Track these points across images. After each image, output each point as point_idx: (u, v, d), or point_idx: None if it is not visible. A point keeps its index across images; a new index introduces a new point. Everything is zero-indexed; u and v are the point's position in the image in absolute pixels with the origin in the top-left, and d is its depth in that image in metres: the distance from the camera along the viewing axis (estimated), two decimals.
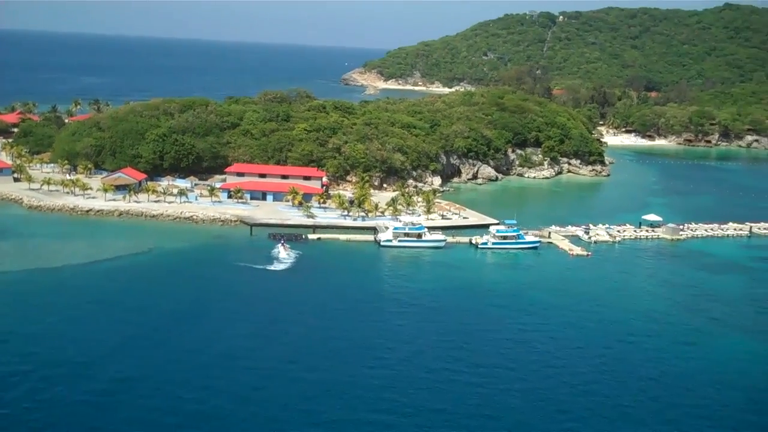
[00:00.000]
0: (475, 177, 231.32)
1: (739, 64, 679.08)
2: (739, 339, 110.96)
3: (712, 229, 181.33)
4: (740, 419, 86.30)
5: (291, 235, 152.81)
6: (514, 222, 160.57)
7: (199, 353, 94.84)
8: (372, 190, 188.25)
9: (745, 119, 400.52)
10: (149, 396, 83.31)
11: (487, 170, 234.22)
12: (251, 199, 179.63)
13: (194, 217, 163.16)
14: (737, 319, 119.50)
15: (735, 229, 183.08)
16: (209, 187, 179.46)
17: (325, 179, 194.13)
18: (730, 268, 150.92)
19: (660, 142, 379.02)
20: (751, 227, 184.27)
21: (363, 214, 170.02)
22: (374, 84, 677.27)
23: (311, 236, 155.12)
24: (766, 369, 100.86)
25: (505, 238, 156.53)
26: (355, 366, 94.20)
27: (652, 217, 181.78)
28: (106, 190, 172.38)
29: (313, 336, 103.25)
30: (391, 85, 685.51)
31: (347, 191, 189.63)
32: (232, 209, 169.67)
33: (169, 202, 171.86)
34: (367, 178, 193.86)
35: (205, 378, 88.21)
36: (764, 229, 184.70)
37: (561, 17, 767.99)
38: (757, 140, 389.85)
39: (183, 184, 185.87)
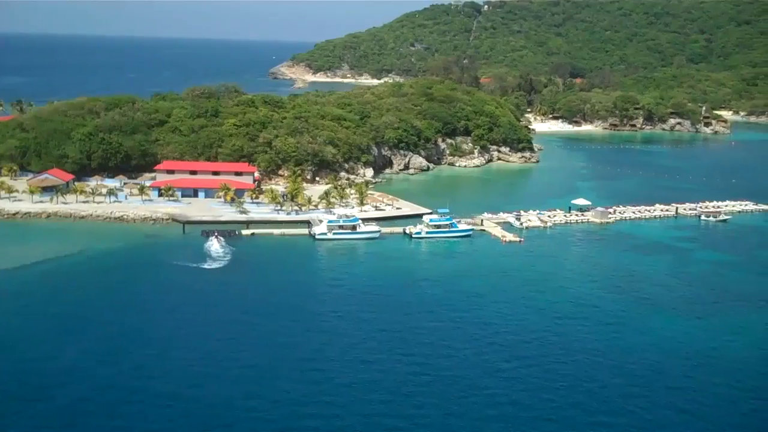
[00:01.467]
0: (406, 167, 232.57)
1: (659, 49, 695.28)
2: (667, 317, 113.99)
3: (639, 212, 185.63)
4: (672, 396, 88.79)
5: (224, 231, 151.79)
6: (447, 211, 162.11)
7: (134, 353, 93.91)
8: (304, 184, 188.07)
9: (667, 103, 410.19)
10: (83, 399, 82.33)
11: (418, 160, 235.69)
12: (182, 196, 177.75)
13: (125, 216, 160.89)
14: (666, 298, 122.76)
15: (661, 211, 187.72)
16: (139, 186, 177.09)
17: (256, 174, 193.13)
18: (658, 249, 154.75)
19: (586, 128, 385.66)
20: (677, 208, 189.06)
21: (296, 208, 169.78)
22: (303, 77, 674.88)
23: (245, 232, 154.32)
24: (693, 344, 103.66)
25: (438, 227, 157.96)
26: (292, 361, 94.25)
27: (581, 201, 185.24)
28: (32, 192, 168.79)
29: (250, 332, 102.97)
30: (320, 77, 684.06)
31: (280, 186, 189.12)
32: (163, 207, 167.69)
33: (99, 203, 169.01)
34: (299, 171, 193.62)
35: (139, 379, 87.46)
36: (690, 209, 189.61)
37: (486, 7, 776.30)
38: (680, 123, 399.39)
39: (112, 183, 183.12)
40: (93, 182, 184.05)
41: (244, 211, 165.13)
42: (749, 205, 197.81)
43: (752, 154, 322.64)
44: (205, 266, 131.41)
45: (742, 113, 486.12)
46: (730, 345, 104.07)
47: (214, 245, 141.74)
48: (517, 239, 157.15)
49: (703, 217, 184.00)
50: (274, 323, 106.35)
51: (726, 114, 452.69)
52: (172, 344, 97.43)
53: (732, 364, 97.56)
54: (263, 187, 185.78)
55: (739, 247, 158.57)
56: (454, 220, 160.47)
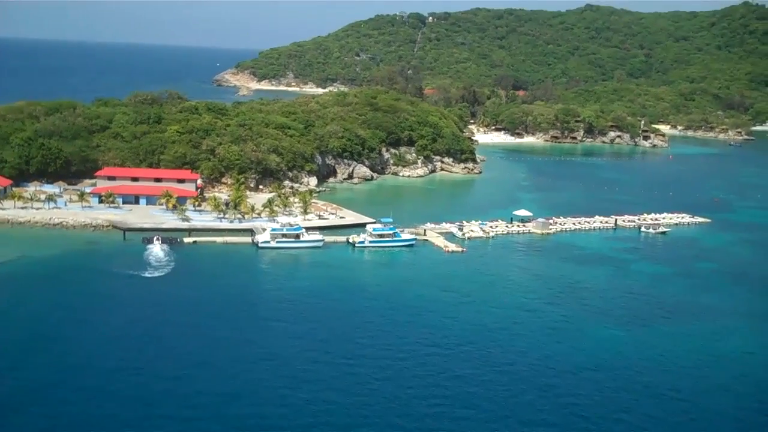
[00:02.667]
0: (350, 177, 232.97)
1: (600, 63, 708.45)
2: (606, 327, 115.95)
3: (579, 223, 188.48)
4: (609, 403, 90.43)
5: (166, 238, 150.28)
6: (390, 220, 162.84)
7: (72, 364, 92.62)
8: (248, 192, 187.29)
9: (607, 116, 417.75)
10: (20, 410, 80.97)
11: (362, 170, 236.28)
12: (124, 203, 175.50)
13: (64, 222, 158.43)
14: (605, 309, 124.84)
15: (601, 222, 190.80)
16: (79, 192, 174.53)
17: (199, 181, 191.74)
18: (598, 260, 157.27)
19: (528, 140, 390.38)
20: (616, 220, 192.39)
21: (239, 216, 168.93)
22: (247, 85, 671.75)
23: (187, 240, 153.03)
24: (629, 353, 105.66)
25: (381, 236, 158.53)
26: (231, 371, 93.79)
27: (522, 212, 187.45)
28: None
29: (188, 340, 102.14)
30: (265, 85, 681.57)
31: (223, 193, 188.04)
32: (103, 214, 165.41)
33: (37, 209, 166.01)
34: (242, 179, 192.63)
35: (78, 391, 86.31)
36: (628, 221, 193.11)
37: (430, 18, 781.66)
38: (619, 136, 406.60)
39: (51, 189, 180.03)
40: (31, 188, 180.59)
41: (186, 219, 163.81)
42: (686, 218, 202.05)
43: (689, 167, 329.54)
44: (146, 274, 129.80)
45: (679, 127, 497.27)
46: (665, 354, 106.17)
47: (156, 251, 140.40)
48: (460, 249, 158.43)
49: (643, 229, 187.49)
50: (214, 332, 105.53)
51: (664, 128, 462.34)
52: (108, 353, 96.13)
53: (667, 373, 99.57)
54: (206, 195, 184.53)
55: (676, 259, 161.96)
56: (397, 230, 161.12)
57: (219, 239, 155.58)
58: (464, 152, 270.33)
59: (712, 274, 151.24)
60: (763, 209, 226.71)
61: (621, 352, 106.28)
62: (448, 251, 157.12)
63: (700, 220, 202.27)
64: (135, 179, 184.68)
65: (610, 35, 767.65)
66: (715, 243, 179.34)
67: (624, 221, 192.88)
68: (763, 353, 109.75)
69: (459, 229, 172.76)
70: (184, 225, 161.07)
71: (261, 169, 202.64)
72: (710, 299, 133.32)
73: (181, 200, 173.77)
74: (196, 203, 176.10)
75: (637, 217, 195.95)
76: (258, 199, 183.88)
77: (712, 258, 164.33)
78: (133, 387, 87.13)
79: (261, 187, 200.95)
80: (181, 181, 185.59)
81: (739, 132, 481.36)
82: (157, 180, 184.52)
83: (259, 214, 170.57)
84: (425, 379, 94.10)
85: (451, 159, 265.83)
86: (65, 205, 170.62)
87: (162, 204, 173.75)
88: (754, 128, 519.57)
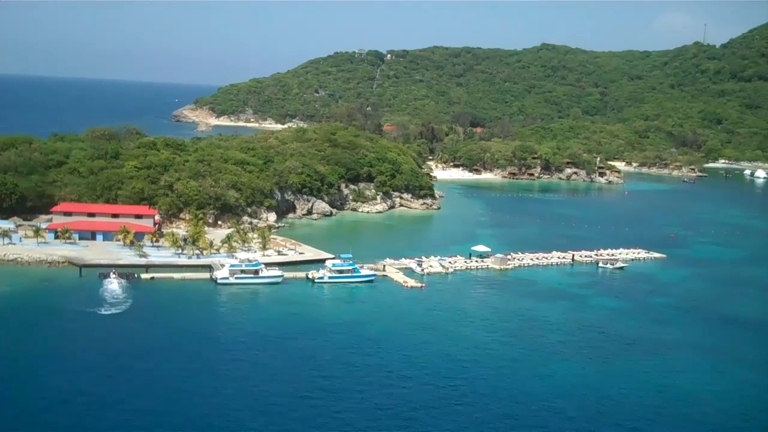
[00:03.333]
0: (309, 212, 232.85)
1: (556, 101, 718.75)
2: (562, 362, 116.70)
3: (537, 258, 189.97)
4: None
5: (123, 274, 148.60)
6: (350, 256, 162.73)
7: (21, 402, 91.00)
8: (206, 228, 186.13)
9: (564, 153, 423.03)
10: None
11: (321, 205, 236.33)
12: (80, 239, 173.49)
13: (18, 259, 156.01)
14: (562, 344, 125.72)
15: (559, 258, 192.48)
16: (34, 228, 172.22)
17: (157, 217, 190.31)
18: (556, 295, 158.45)
19: (486, 176, 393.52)
20: (573, 255, 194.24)
21: (198, 251, 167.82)
22: (206, 120, 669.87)
23: (144, 276, 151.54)
24: (584, 389, 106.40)
25: (341, 272, 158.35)
26: (187, 406, 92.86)
27: (481, 247, 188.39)
28: None
29: (145, 379, 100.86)
30: (224, 121, 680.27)
31: (181, 229, 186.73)
32: (59, 250, 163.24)
33: None
34: (201, 215, 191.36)
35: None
36: (585, 257, 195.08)
37: (389, 56, 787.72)
38: (576, 172, 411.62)
39: (5, 225, 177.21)
40: None
41: (143, 255, 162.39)
42: (642, 253, 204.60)
43: (644, 203, 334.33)
44: (103, 311, 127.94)
45: (634, 164, 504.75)
46: (622, 388, 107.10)
47: (112, 288, 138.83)
48: (419, 285, 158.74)
49: (600, 265, 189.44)
50: (171, 370, 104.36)
51: (619, 164, 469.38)
52: (63, 393, 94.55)
53: (624, 407, 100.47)
54: (164, 231, 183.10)
55: (632, 294, 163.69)
56: (356, 266, 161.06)
57: (177, 275, 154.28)
58: (423, 188, 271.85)
59: (667, 308, 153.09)
60: (717, 245, 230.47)
61: (580, 384, 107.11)
62: (407, 287, 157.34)
63: (656, 255, 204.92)
64: (92, 215, 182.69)
65: (565, 74, 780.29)
66: (671, 278, 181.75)
67: (581, 257, 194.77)
68: (719, 386, 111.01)
69: (418, 264, 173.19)
70: (142, 261, 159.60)
71: (220, 204, 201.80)
72: (667, 333, 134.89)
73: (139, 236, 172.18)
74: (154, 239, 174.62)
75: (594, 253, 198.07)
76: (217, 234, 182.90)
77: (668, 293, 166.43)
78: (82, 425, 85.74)
79: (220, 222, 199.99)
80: (138, 216, 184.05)
81: (693, 169, 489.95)
82: (115, 216, 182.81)
83: (217, 249, 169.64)
84: (385, 410, 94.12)
85: (410, 195, 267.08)
86: (20, 241, 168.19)
87: (119, 240, 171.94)
88: (706, 165, 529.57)
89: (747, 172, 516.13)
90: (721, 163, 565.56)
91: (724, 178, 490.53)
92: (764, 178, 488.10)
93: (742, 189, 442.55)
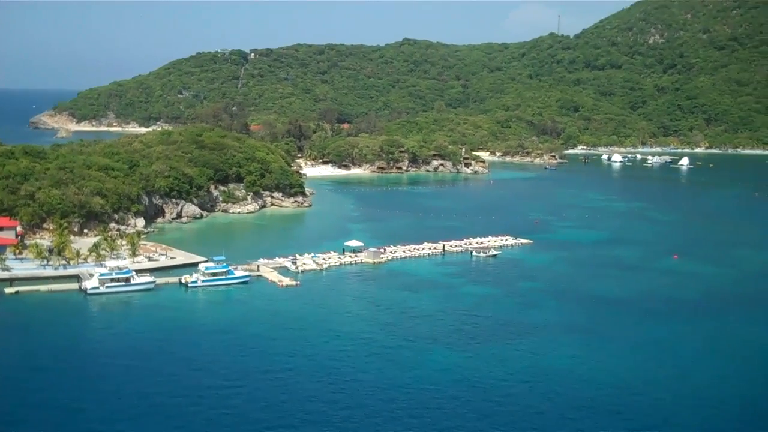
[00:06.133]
0: (179, 216, 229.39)
1: (420, 95, 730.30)
2: (438, 350, 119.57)
3: (409, 250, 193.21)
4: (442, 419, 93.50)
5: None
6: (223, 258, 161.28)
7: None
8: (72, 237, 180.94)
9: (430, 145, 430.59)
10: None
11: (191, 208, 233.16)
12: None
13: None
14: (437, 332, 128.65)
15: (430, 248, 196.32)
16: None
17: (19, 228, 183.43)
18: (428, 286, 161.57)
19: (356, 171, 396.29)
20: (444, 245, 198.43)
21: (64, 262, 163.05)
22: (66, 126, 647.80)
23: (8, 290, 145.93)
24: (458, 376, 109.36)
25: (214, 274, 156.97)
26: (61, 423, 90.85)
27: (354, 242, 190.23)
28: None
29: (9, 402, 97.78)
30: (85, 126, 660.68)
31: (45, 239, 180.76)
32: None
33: None
34: (65, 224, 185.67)
35: None
36: (456, 246, 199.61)
37: (252, 54, 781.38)
38: (442, 164, 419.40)
39: None
40: None
41: (6, 268, 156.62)
42: (509, 240, 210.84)
43: (509, 191, 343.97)
44: None
45: (498, 153, 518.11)
46: (495, 369, 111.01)
47: None
48: (294, 283, 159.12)
49: (474, 253, 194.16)
50: (42, 386, 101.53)
51: (484, 155, 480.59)
52: None
53: (496, 390, 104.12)
54: (27, 242, 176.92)
55: (501, 280, 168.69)
56: (230, 267, 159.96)
57: (44, 287, 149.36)
58: (293, 186, 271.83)
59: (536, 292, 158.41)
60: (579, 228, 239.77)
61: (456, 369, 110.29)
62: (282, 285, 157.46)
63: (523, 241, 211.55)
64: None
65: (428, 68, 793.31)
66: (538, 262, 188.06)
67: (452, 246, 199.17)
68: (586, 363, 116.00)
69: (292, 262, 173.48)
70: (5, 275, 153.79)
71: (85, 212, 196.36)
72: (536, 316, 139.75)
73: (0, 249, 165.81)
74: (17, 251, 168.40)
75: (463, 242, 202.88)
76: (83, 243, 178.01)
77: (536, 277, 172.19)
78: None
79: (86, 231, 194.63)
80: None
81: (553, 156, 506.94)
82: None
83: (85, 259, 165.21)
84: (267, 411, 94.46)
85: (281, 193, 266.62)
86: None
87: None
88: (566, 152, 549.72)
89: (604, 157, 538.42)
90: (580, 150, 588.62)
91: (583, 164, 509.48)
92: (620, 162, 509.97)
93: (601, 173, 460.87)
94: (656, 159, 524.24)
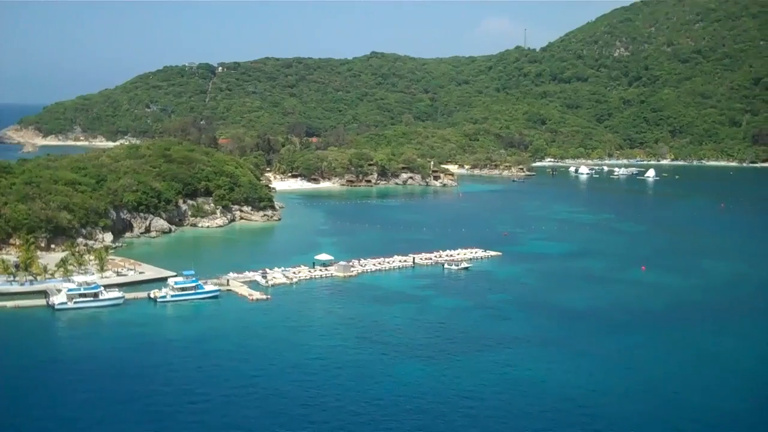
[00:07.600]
0: (147, 230, 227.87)
1: (388, 108, 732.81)
2: (409, 363, 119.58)
3: (379, 263, 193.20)
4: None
5: None
6: (192, 273, 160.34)
7: None
8: (39, 252, 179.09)
9: (399, 159, 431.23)
10: None
11: (159, 223, 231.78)
12: None
13: None
14: (409, 344, 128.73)
15: (400, 261, 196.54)
16: None
17: None
18: (399, 298, 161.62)
19: (325, 185, 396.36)
20: (414, 258, 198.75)
21: (31, 278, 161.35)
22: (32, 141, 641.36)
23: None
24: (427, 388, 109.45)
25: (184, 289, 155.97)
26: None
27: (324, 256, 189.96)
28: None
29: None
30: (51, 141, 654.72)
31: (11, 255, 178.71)
32: None
33: None
34: (32, 239, 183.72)
35: None
36: (426, 259, 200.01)
37: (220, 68, 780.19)
38: (411, 177, 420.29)
39: None
40: None
41: None
42: (479, 252, 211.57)
43: (478, 204, 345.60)
44: None
45: (466, 166, 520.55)
46: (467, 382, 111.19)
47: None
48: (264, 297, 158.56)
49: (446, 266, 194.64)
50: (7, 405, 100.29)
51: (452, 167, 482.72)
52: None
53: (466, 401, 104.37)
54: None
55: (471, 292, 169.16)
56: (199, 282, 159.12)
57: (10, 303, 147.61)
58: (262, 200, 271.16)
59: (506, 304, 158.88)
60: (547, 240, 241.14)
61: (427, 381, 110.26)
62: (252, 300, 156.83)
63: (493, 253, 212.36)
64: None
65: (396, 81, 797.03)
66: (508, 275, 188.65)
67: (422, 259, 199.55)
68: (556, 374, 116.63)
69: (262, 276, 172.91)
70: None
71: (52, 227, 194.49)
72: (507, 328, 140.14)
73: None
74: None
75: (433, 254, 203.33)
76: (51, 258, 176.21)
77: (506, 289, 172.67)
78: None
79: (53, 246, 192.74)
80: None
81: (521, 168, 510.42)
82: None
83: (52, 274, 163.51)
84: (235, 428, 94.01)
85: (250, 207, 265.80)
86: None
87: None
88: (534, 164, 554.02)
89: (572, 169, 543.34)
90: (547, 162, 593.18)
91: (551, 176, 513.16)
92: (587, 174, 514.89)
93: (568, 185, 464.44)
94: (623, 171, 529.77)
